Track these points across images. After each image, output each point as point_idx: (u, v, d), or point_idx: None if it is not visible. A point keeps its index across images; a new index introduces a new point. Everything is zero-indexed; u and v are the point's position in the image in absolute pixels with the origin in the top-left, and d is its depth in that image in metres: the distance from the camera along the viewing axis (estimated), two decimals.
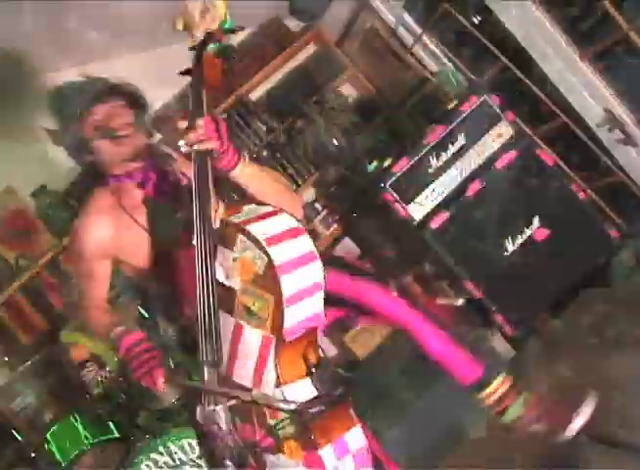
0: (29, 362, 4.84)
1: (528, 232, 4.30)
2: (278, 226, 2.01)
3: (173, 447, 3.49)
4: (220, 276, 2.03)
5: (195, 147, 2.03)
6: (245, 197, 2.24)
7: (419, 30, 5.07)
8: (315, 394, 2.03)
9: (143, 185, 2.41)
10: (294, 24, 5.87)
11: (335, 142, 5.42)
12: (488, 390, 2.53)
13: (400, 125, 5.26)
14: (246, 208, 2.10)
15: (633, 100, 3.94)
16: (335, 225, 5.59)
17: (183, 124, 2.03)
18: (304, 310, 1.98)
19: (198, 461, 3.48)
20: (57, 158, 4.45)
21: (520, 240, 4.30)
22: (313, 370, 2.06)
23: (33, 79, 5.01)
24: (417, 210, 4.33)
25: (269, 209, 2.08)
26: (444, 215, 4.28)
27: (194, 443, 3.47)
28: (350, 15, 5.55)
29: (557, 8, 3.88)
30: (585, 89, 3.98)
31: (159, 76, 5.31)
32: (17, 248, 5.12)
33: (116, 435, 3.94)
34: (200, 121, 2.02)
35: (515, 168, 4.35)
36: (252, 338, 2.00)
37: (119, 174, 2.42)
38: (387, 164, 4.44)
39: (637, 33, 3.42)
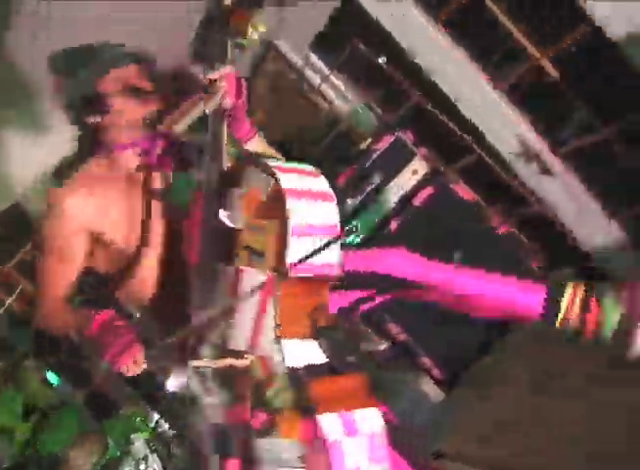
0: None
1: None
2: (289, 165, 1.94)
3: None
4: (226, 220, 1.89)
5: (214, 100, 1.90)
6: None
7: (327, 70, 5.00)
8: (321, 361, 1.84)
9: (146, 153, 2.19)
10: (199, 70, 5.74)
11: None
12: (565, 304, 2.17)
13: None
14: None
15: (547, 130, 3.93)
16: None
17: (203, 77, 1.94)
18: (313, 249, 1.80)
19: None
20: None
21: None
22: (322, 333, 1.90)
23: None
24: None
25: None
26: None
27: None
28: (255, 58, 5.45)
29: (469, 39, 3.86)
30: (499, 120, 3.96)
31: None
32: None
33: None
34: (223, 70, 1.93)
35: (432, 205, 4.29)
36: (254, 281, 1.80)
37: (125, 143, 2.18)
38: None
39: (550, 62, 3.39)
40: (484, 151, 4.19)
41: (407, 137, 4.34)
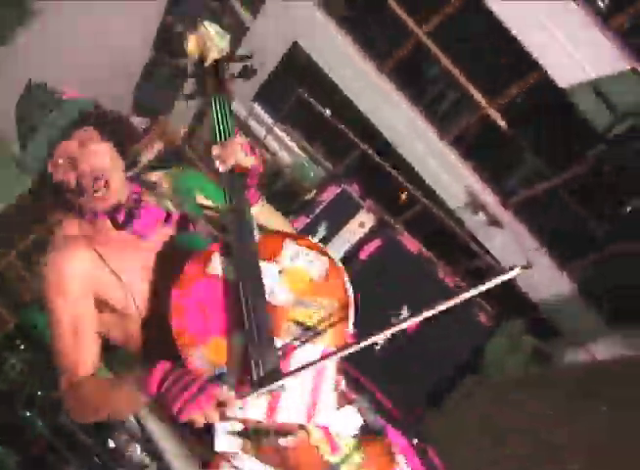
0: None
1: None
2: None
3: None
4: (269, 296, 1.78)
5: (233, 164, 1.76)
6: None
7: (270, 122, 4.94)
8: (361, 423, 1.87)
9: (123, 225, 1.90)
10: (139, 121, 5.67)
11: None
12: None
13: None
14: None
15: (495, 180, 3.89)
16: None
17: (217, 149, 1.78)
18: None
19: None
20: None
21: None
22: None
23: None
24: None
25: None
26: None
27: None
28: (197, 109, 5.38)
29: (413, 88, 3.82)
30: (446, 171, 3.91)
31: None
32: None
33: None
34: (238, 137, 1.78)
35: (380, 257, 4.21)
36: (308, 356, 1.75)
37: (98, 211, 1.88)
38: None
39: (497, 111, 3.35)
40: (431, 202, 4.14)
41: (353, 189, 4.27)
